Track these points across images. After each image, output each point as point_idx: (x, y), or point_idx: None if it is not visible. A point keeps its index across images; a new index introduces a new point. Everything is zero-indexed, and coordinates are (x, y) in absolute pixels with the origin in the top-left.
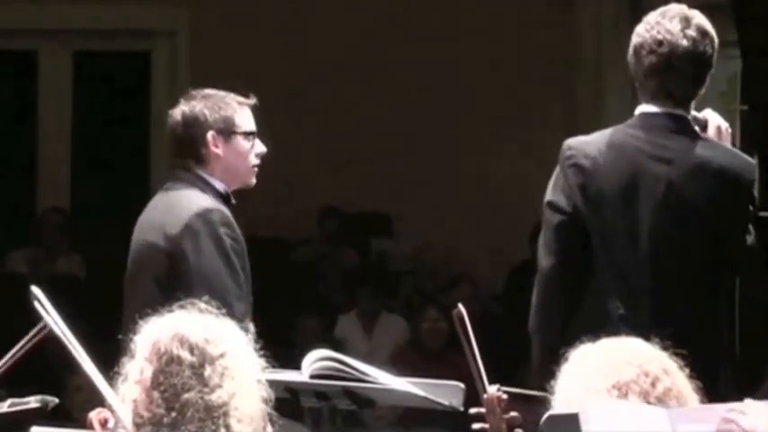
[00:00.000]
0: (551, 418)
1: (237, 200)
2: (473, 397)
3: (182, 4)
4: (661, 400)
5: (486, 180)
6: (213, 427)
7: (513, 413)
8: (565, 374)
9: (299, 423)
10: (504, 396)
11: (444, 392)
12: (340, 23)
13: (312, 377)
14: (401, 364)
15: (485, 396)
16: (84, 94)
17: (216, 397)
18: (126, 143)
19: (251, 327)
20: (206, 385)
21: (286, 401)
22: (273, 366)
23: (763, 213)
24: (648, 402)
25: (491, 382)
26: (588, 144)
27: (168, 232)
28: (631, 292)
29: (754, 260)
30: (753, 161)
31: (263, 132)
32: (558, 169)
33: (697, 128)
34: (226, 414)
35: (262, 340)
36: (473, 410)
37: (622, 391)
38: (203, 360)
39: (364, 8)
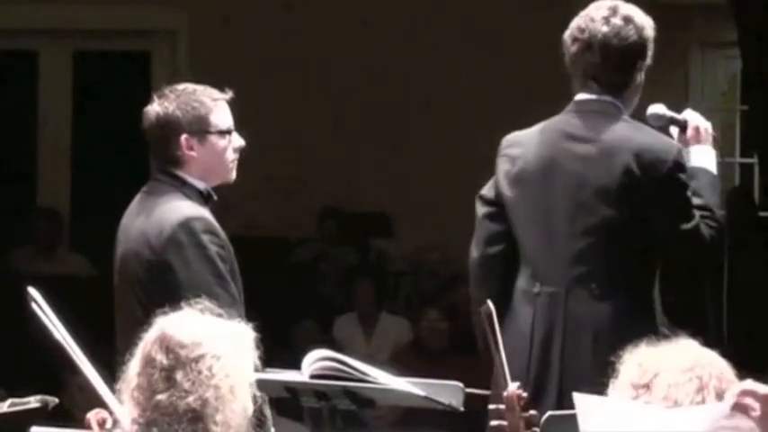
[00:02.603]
0: (551, 417)
1: (237, 200)
2: (472, 397)
3: (182, 4)
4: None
5: (487, 180)
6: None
7: (533, 411)
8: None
9: (299, 423)
10: (525, 394)
11: (444, 392)
12: (340, 23)
13: (312, 377)
14: (401, 364)
15: (505, 393)
16: (84, 94)
17: (186, 402)
18: (126, 143)
19: None
20: (177, 389)
21: (286, 401)
22: (273, 367)
23: (763, 213)
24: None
25: (490, 380)
26: (522, 135)
27: (152, 242)
28: (547, 270)
29: (704, 249)
30: (676, 144)
31: (263, 132)
32: None
33: (676, 128)
34: (198, 419)
35: (261, 341)
36: (492, 406)
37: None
38: (175, 364)
39: (365, 8)
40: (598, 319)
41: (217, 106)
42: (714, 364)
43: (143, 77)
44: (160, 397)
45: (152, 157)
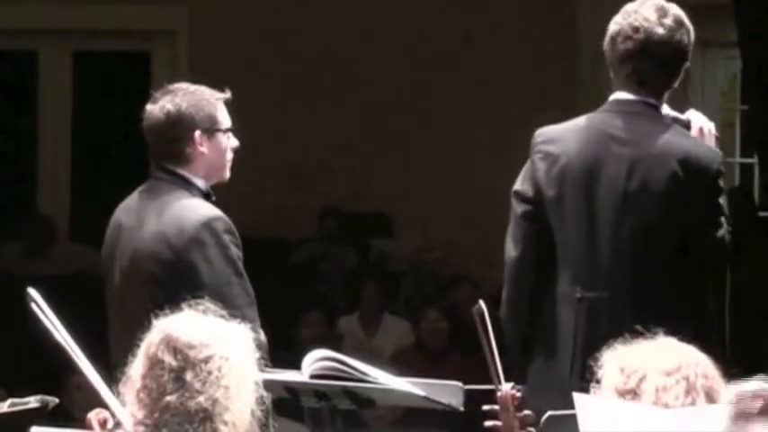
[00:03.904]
0: (551, 417)
1: (237, 201)
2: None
3: (181, 3)
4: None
5: (487, 180)
6: None
7: (527, 411)
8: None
9: (299, 423)
10: (518, 394)
11: (444, 392)
12: (340, 24)
13: (312, 377)
14: (401, 364)
15: (499, 393)
16: (84, 94)
17: (197, 402)
18: (126, 143)
19: (262, 335)
20: (187, 390)
21: (286, 401)
22: (274, 366)
23: (763, 213)
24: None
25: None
26: (557, 130)
27: (171, 241)
28: (589, 274)
29: (724, 257)
30: (719, 151)
31: (263, 132)
32: (528, 161)
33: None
34: (208, 419)
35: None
36: (486, 407)
37: (684, 379)
38: (185, 365)
39: (365, 8)
40: (641, 324)
41: (219, 105)
42: (698, 362)
43: (143, 77)
44: (169, 398)
45: (152, 155)
